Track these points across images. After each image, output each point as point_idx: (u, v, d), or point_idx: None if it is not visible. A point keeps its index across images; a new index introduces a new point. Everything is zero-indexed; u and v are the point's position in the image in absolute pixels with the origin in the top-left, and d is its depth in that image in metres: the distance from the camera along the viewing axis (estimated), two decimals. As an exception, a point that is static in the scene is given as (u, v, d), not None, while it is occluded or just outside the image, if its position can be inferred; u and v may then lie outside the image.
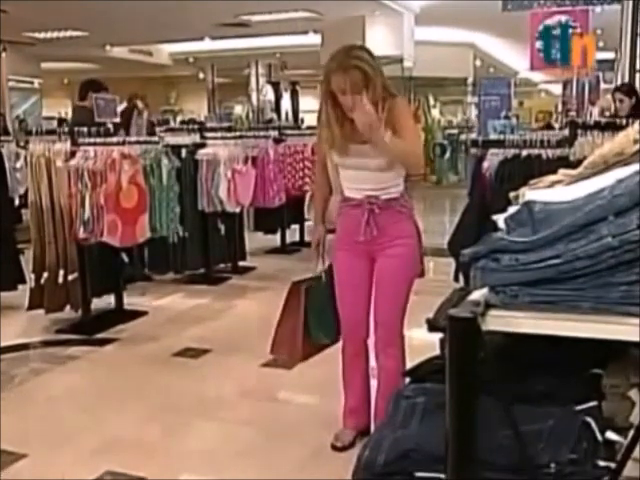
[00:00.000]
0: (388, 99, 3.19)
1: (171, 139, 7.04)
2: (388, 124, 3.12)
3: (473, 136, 11.72)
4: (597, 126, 4.08)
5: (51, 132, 5.77)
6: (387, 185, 3.27)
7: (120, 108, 6.75)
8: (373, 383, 3.49)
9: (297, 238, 9.04)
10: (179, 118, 18.40)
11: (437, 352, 1.86)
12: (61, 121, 14.63)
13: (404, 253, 3.30)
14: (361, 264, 3.36)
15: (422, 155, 3.43)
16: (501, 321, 1.35)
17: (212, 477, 3.29)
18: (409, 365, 1.99)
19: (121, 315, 5.84)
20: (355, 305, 3.40)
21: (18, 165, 7.84)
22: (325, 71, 3.23)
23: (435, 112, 19.16)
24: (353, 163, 3.27)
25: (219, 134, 7.36)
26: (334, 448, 3.42)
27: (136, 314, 5.90)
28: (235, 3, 11.62)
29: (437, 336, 1.82)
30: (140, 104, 8.11)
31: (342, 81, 3.13)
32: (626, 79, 6.50)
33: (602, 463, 1.46)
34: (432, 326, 1.85)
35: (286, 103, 20.97)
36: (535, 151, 4.09)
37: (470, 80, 18.21)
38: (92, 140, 5.38)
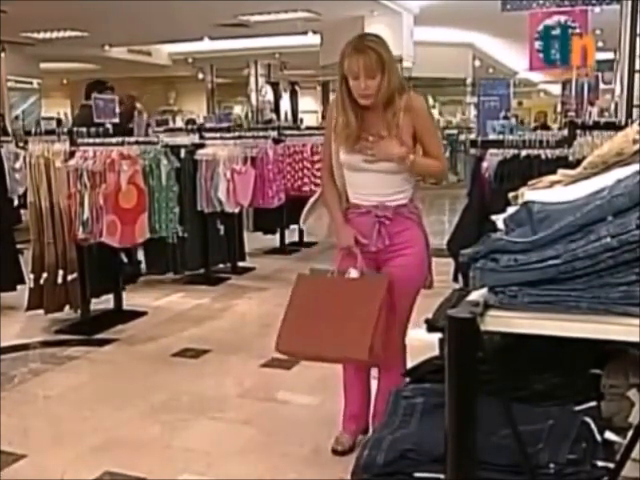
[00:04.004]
0: (404, 94, 3.14)
1: (170, 139, 7.04)
2: (407, 122, 3.09)
3: (472, 136, 11.72)
4: (596, 126, 4.08)
5: (50, 132, 5.77)
6: (396, 191, 3.16)
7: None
8: (374, 383, 3.47)
9: (296, 238, 9.04)
10: (179, 118, 18.41)
11: (436, 352, 1.87)
12: (60, 121, 14.63)
13: (412, 264, 3.18)
14: None
15: (445, 164, 3.38)
16: (500, 321, 1.34)
17: (211, 477, 3.29)
18: (409, 365, 1.99)
19: (120, 315, 5.84)
20: None
21: (17, 165, 7.83)
22: (340, 56, 3.11)
23: (434, 112, 19.16)
24: (361, 163, 3.12)
25: (218, 134, 7.36)
26: (334, 452, 3.37)
27: (135, 314, 5.90)
28: (234, 3, 11.62)
29: (436, 336, 1.83)
30: (138, 105, 8.13)
31: (355, 63, 3.02)
32: (625, 79, 6.49)
33: (601, 463, 1.46)
34: (431, 326, 1.86)
35: (285, 103, 20.99)
36: (534, 151, 4.09)
37: (469, 80, 18.21)
38: (91, 140, 5.38)
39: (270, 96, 19.69)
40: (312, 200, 3.49)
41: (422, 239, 3.25)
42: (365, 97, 3.07)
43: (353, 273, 3.12)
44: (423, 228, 3.28)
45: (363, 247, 3.16)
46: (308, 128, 10.14)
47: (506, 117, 10.52)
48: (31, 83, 16.15)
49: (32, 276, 5.46)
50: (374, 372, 3.47)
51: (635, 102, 6.50)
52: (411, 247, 3.19)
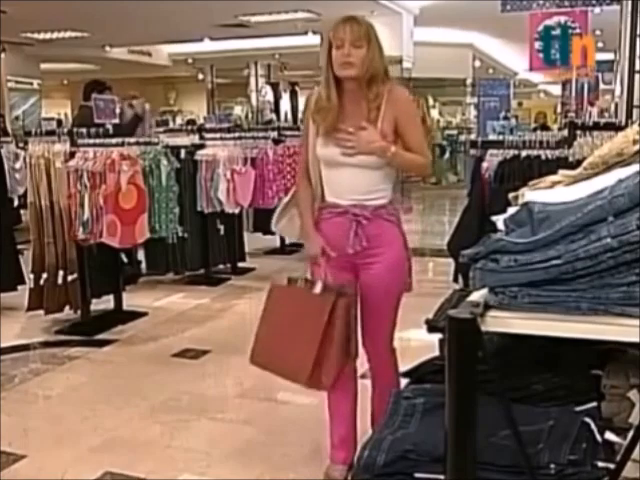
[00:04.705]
0: (388, 83, 2.94)
1: (170, 140, 7.04)
2: (389, 112, 2.90)
3: (472, 137, 11.72)
4: (596, 127, 4.08)
5: (50, 133, 5.78)
6: (375, 189, 2.97)
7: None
8: (366, 382, 3.33)
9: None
10: (179, 119, 18.43)
11: (437, 353, 1.87)
12: (60, 122, 14.64)
13: (391, 267, 3.00)
14: (346, 277, 3.02)
15: (429, 160, 3.14)
16: (500, 322, 1.35)
17: (211, 477, 3.29)
18: (409, 366, 1.99)
19: (120, 316, 5.84)
20: None
21: (17, 166, 7.85)
22: (328, 31, 2.94)
23: (434, 113, 19.18)
24: (339, 157, 2.92)
25: (218, 135, 7.37)
26: None
27: (135, 315, 5.90)
28: (234, 4, 11.62)
29: (436, 337, 1.83)
30: (135, 103, 7.92)
31: (342, 29, 2.84)
32: (625, 80, 6.50)
33: (601, 464, 1.46)
34: (432, 327, 1.86)
35: (285, 104, 20.97)
36: (534, 152, 4.09)
37: (469, 81, 18.22)
38: (91, 141, 5.39)
39: (270, 96, 19.68)
40: (285, 201, 3.31)
41: (401, 242, 3.07)
42: (346, 66, 2.85)
43: (317, 287, 2.99)
44: (402, 230, 3.09)
45: (339, 250, 2.98)
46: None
47: (506, 117, 10.54)
48: (31, 84, 16.15)
49: (32, 276, 5.46)
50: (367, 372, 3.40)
51: (635, 103, 6.51)
52: (390, 251, 3.01)
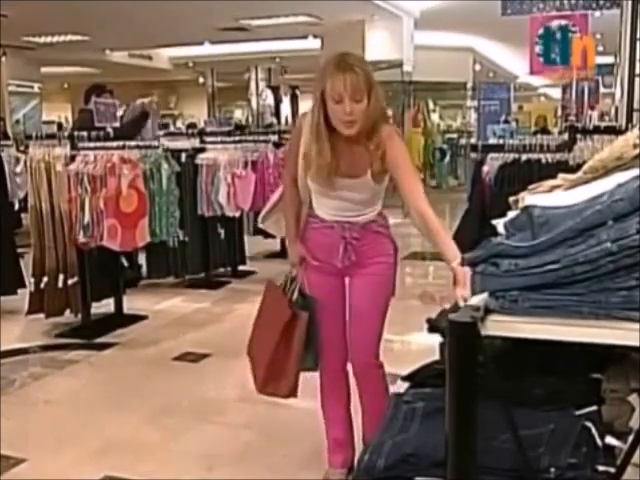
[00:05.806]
0: (385, 127, 2.83)
1: (171, 143, 7.04)
2: (379, 152, 2.79)
3: (473, 140, 11.72)
4: (596, 130, 4.09)
5: (51, 136, 5.78)
6: (364, 212, 2.96)
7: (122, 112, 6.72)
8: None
9: (297, 242, 9.01)
10: (179, 122, 18.45)
11: (437, 357, 1.87)
12: (61, 125, 14.64)
13: (380, 272, 2.99)
14: (334, 282, 3.05)
15: (423, 196, 2.90)
16: (501, 326, 1.35)
17: (212, 481, 3.30)
18: (409, 370, 1.99)
19: (121, 319, 5.85)
20: (332, 328, 3.04)
21: (18, 169, 7.85)
22: (319, 75, 2.77)
23: (435, 116, 19.19)
24: (334, 195, 2.91)
25: (219, 138, 7.37)
26: None
27: (136, 318, 5.90)
28: (235, 7, 11.63)
29: (437, 340, 1.82)
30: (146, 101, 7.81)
31: (340, 83, 2.66)
32: (625, 83, 6.50)
33: (602, 468, 1.46)
34: (432, 326, 1.85)
35: (286, 107, 21.00)
36: (535, 155, 4.09)
37: (470, 84, 18.22)
38: (92, 144, 5.39)
39: (270, 100, 19.69)
40: (273, 200, 3.31)
41: (391, 250, 3.04)
42: (349, 124, 2.72)
43: (295, 295, 3.02)
44: (392, 238, 3.06)
45: (327, 259, 2.98)
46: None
47: (506, 121, 10.54)
48: (32, 87, 16.15)
49: (33, 280, 5.46)
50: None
51: (635, 106, 6.52)
52: (379, 258, 3.00)
